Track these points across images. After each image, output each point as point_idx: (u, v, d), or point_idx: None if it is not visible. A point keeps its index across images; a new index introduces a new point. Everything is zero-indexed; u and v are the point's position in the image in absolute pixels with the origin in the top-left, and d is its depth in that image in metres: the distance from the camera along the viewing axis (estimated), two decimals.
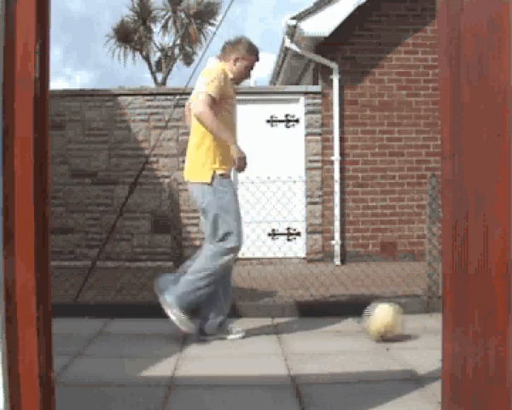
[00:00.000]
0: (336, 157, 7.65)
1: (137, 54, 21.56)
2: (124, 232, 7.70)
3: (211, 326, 3.88)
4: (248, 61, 3.93)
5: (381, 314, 3.76)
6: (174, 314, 3.78)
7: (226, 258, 3.78)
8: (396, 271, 5.99)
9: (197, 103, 3.69)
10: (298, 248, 7.72)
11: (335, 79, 7.62)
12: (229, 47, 3.92)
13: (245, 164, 3.77)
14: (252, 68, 4.00)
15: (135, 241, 7.83)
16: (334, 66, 7.61)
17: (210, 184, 3.76)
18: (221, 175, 3.78)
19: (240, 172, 3.85)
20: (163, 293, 3.83)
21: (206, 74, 3.78)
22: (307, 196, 7.74)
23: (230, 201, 3.80)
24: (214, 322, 3.88)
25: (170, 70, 21.54)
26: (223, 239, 3.76)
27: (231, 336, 3.93)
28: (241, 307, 4.62)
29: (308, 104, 7.74)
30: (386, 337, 3.75)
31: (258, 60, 4.00)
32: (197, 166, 3.82)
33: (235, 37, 3.98)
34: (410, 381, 2.98)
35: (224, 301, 3.93)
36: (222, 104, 3.76)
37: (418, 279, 5.28)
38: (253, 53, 3.94)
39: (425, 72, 7.72)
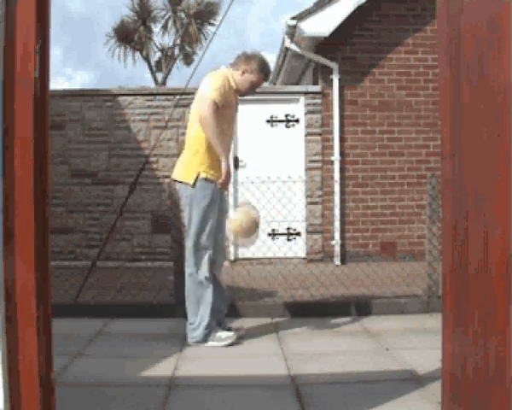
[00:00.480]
0: (336, 157, 7.66)
1: (137, 54, 21.57)
2: (124, 232, 7.70)
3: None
4: (256, 77, 3.88)
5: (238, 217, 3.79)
6: (213, 341, 3.78)
7: (202, 272, 3.79)
8: (396, 271, 5.99)
9: (204, 108, 3.67)
10: (298, 248, 7.72)
11: (335, 79, 7.62)
12: (243, 57, 3.89)
13: (228, 181, 3.77)
14: (257, 86, 3.95)
15: (135, 241, 7.83)
16: (334, 66, 7.61)
17: (192, 186, 3.75)
18: (205, 179, 3.75)
19: (222, 188, 3.81)
20: (193, 339, 3.82)
21: (212, 80, 3.74)
22: (307, 196, 7.74)
23: (207, 208, 3.75)
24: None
25: (170, 70, 21.55)
26: (197, 249, 3.78)
27: (221, 343, 3.82)
28: (241, 307, 4.62)
29: (308, 104, 7.74)
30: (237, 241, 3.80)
31: (266, 80, 3.98)
32: (184, 166, 3.83)
33: (251, 50, 3.95)
34: (410, 381, 2.98)
35: (220, 302, 3.91)
36: (221, 112, 3.74)
37: (418, 279, 5.28)
38: (262, 71, 3.89)
39: (425, 72, 7.72)
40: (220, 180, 3.74)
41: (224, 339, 3.81)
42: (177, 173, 3.89)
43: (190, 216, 3.80)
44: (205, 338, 3.79)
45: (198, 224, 3.77)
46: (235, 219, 3.81)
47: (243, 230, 3.80)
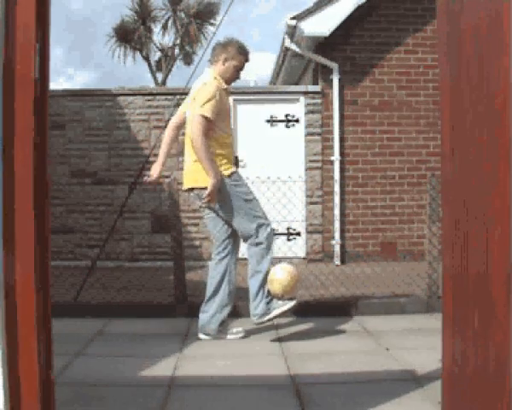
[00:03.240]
0: (336, 157, 7.65)
1: (137, 54, 21.57)
2: (124, 232, 7.70)
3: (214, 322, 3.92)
4: (237, 60, 3.90)
5: (280, 276, 3.81)
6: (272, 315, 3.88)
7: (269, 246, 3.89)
8: (396, 271, 5.99)
9: (193, 128, 3.73)
10: (298, 248, 7.72)
11: (335, 78, 7.61)
12: (219, 48, 3.92)
13: (214, 198, 3.77)
14: (241, 69, 3.96)
15: (135, 241, 7.83)
16: (334, 66, 7.61)
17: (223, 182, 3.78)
18: (228, 176, 3.82)
19: (205, 203, 3.81)
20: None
21: (201, 93, 3.76)
22: (307, 196, 7.74)
23: (247, 191, 3.89)
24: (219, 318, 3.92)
25: (170, 70, 21.55)
26: (257, 233, 3.85)
27: (230, 337, 3.94)
28: (241, 307, 4.62)
29: (308, 104, 7.74)
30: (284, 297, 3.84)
31: (247, 60, 3.98)
32: (195, 173, 3.83)
33: (225, 38, 3.96)
34: (410, 381, 2.98)
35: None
36: (217, 122, 3.76)
37: (418, 279, 5.28)
38: (242, 53, 3.92)
39: (425, 72, 7.72)
40: (205, 195, 3.74)
41: (235, 333, 3.98)
42: (191, 181, 3.88)
43: (232, 213, 3.84)
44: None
45: (244, 211, 3.84)
46: (279, 281, 3.81)
47: (287, 290, 3.84)
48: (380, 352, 3.57)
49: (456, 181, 2.04)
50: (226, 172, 3.81)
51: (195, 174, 3.82)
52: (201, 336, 3.92)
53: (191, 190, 3.92)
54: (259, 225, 3.85)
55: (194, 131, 3.72)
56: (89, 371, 3.24)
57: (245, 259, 3.98)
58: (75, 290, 4.93)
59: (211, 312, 3.90)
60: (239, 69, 3.95)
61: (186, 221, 7.19)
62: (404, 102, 7.74)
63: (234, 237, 3.95)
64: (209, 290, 3.92)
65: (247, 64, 4.00)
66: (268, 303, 3.85)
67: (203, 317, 3.92)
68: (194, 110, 3.77)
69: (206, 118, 3.69)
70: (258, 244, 3.85)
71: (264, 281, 3.83)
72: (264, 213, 3.95)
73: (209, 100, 3.71)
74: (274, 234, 3.99)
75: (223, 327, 3.94)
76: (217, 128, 3.79)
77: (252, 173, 7.16)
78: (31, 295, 1.74)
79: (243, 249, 4.09)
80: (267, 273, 3.83)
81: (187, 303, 4.73)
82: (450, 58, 2.06)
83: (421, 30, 7.72)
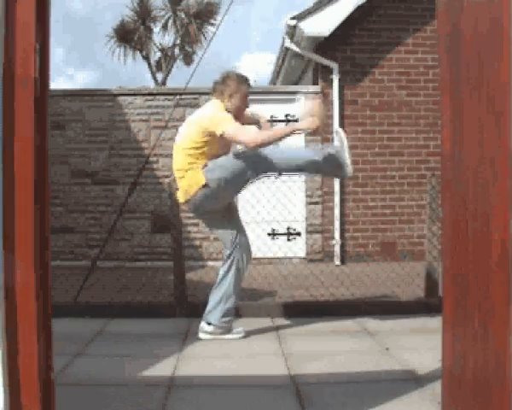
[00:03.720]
0: None
1: (137, 54, 21.55)
2: (124, 232, 7.70)
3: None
4: (241, 92, 3.87)
5: None
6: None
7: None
8: (396, 271, 5.98)
9: (239, 139, 3.70)
10: (298, 248, 7.72)
11: (335, 78, 7.62)
12: (220, 86, 3.87)
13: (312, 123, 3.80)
14: (247, 95, 3.94)
15: (135, 241, 7.83)
16: (334, 66, 7.61)
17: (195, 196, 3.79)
18: (203, 186, 3.77)
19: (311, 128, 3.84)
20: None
21: (214, 117, 3.72)
22: (307, 196, 7.74)
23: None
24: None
25: (170, 70, 21.53)
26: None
27: (230, 336, 3.94)
28: (241, 307, 4.62)
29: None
30: None
31: (249, 86, 3.97)
32: (184, 187, 3.85)
33: (220, 74, 3.93)
34: (410, 381, 2.98)
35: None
36: (216, 140, 3.74)
37: (418, 279, 5.28)
38: (242, 83, 3.89)
39: (425, 72, 7.72)
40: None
41: (234, 333, 4.00)
42: (182, 196, 3.91)
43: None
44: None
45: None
46: None
47: None
48: (380, 352, 3.57)
49: (456, 181, 2.04)
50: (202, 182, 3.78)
51: (187, 184, 3.81)
52: (201, 335, 3.92)
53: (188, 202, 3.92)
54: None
55: (244, 140, 3.67)
56: (89, 371, 3.24)
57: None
58: (75, 290, 4.93)
59: (214, 301, 3.93)
60: (246, 97, 3.91)
61: (186, 221, 7.18)
62: (404, 102, 7.74)
63: (241, 233, 3.98)
64: (217, 280, 4.00)
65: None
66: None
67: (208, 307, 3.97)
68: (217, 129, 3.68)
69: (234, 125, 3.68)
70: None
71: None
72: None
73: (224, 117, 3.70)
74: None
75: (227, 324, 3.94)
76: (213, 147, 3.76)
77: None
78: (31, 295, 1.74)
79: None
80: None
81: (187, 303, 4.72)
82: (450, 58, 2.06)
83: (421, 30, 7.72)
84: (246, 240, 3.99)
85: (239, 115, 3.88)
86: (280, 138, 3.78)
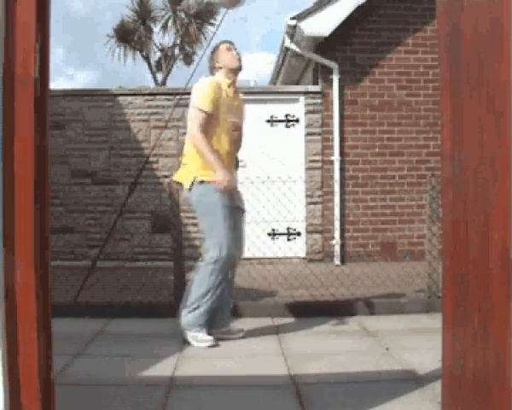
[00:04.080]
0: (336, 157, 7.65)
1: (137, 54, 21.54)
2: (124, 232, 7.70)
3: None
4: (220, 49, 3.93)
5: None
6: (191, 337, 3.78)
7: (215, 271, 3.73)
8: (396, 271, 5.98)
9: (191, 124, 3.75)
10: (298, 248, 7.72)
11: (335, 78, 7.62)
12: (210, 56, 3.99)
13: (224, 182, 3.66)
14: (233, 50, 3.93)
15: (135, 241, 7.83)
16: (334, 66, 7.61)
17: (189, 190, 3.79)
18: (200, 182, 3.74)
19: (225, 189, 3.71)
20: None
21: (196, 90, 3.79)
22: (307, 196, 7.74)
23: (214, 211, 3.71)
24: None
25: (170, 70, 21.52)
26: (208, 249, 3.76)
27: (231, 336, 3.93)
28: (241, 307, 4.62)
29: (308, 104, 7.74)
30: None
31: (232, 43, 3.97)
32: (183, 168, 3.89)
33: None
34: (410, 381, 2.98)
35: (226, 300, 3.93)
36: (217, 121, 3.74)
37: (418, 279, 5.28)
38: (221, 43, 3.96)
39: (425, 72, 7.72)
40: (217, 184, 3.67)
41: (235, 333, 3.94)
42: (177, 174, 3.97)
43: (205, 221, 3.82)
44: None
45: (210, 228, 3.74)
46: None
47: None
48: (380, 352, 3.57)
49: (456, 181, 2.04)
50: (198, 179, 3.74)
51: (185, 170, 3.85)
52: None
53: (180, 184, 3.98)
54: (216, 245, 3.71)
55: (193, 127, 3.72)
56: (89, 371, 3.24)
57: (244, 259, 4.00)
58: (75, 290, 4.93)
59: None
60: (225, 51, 3.90)
61: (186, 221, 7.18)
62: (404, 102, 7.74)
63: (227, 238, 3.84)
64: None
65: (235, 50, 3.96)
66: (199, 326, 3.75)
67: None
68: (191, 104, 3.79)
69: (202, 111, 3.69)
70: (208, 262, 3.76)
71: (202, 298, 3.74)
72: (228, 235, 3.72)
73: (203, 93, 3.72)
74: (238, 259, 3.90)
75: (225, 328, 3.92)
76: (213, 132, 3.75)
77: (252, 173, 7.16)
78: (31, 295, 1.74)
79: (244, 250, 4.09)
80: (204, 295, 3.74)
81: None
82: (450, 58, 2.06)
83: (421, 30, 7.72)
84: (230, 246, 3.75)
85: (233, 73, 3.89)
86: (206, 159, 3.70)
